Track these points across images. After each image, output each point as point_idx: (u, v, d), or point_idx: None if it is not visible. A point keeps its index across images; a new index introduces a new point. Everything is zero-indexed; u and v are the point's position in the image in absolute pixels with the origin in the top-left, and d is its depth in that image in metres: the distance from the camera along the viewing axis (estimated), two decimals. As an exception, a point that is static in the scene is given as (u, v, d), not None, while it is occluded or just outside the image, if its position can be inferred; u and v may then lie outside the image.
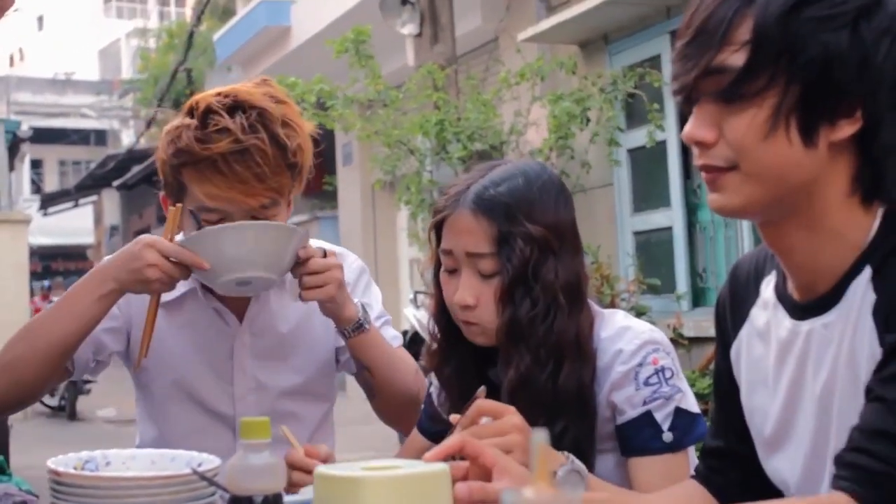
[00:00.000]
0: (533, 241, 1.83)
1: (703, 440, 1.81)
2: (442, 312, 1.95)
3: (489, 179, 1.87)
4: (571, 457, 1.62)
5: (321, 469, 1.32)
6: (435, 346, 1.98)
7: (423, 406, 2.13)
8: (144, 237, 2.01)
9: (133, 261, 1.98)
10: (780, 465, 1.52)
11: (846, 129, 1.34)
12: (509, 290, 1.83)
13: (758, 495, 1.56)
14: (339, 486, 1.28)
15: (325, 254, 2.07)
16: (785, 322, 1.47)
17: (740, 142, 1.35)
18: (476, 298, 1.85)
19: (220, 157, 2.00)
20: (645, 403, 1.80)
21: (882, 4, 1.34)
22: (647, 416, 1.80)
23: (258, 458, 1.33)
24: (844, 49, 1.32)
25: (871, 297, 1.34)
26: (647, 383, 1.81)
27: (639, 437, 1.81)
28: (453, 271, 1.89)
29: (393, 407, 2.25)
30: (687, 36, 1.39)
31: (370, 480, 1.27)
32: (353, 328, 2.13)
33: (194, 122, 2.05)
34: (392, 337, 2.34)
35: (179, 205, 2.04)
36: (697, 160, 1.41)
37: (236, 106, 2.05)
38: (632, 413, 1.81)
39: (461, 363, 1.95)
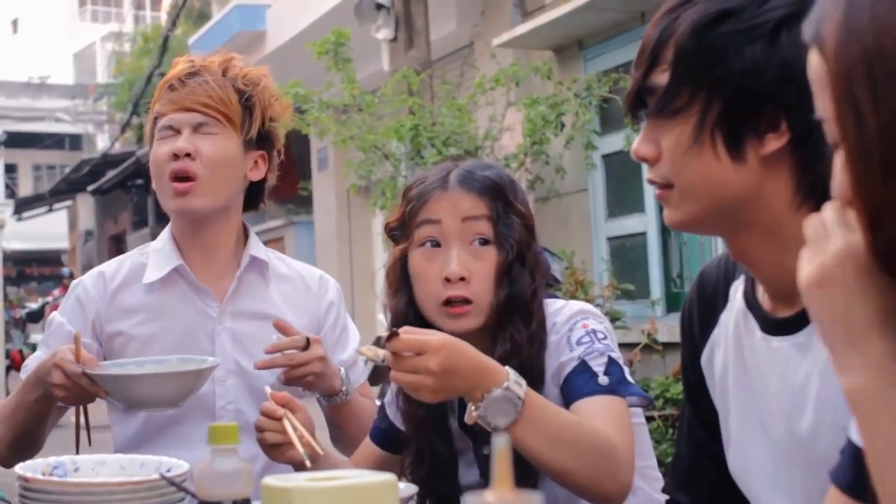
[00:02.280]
0: (524, 219, 1.91)
1: (637, 404, 1.88)
2: (407, 308, 1.95)
3: (469, 166, 1.95)
4: (512, 377, 1.65)
5: (267, 479, 1.32)
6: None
7: (375, 417, 2.14)
8: (60, 354, 2.02)
9: (46, 375, 2.03)
10: (742, 468, 1.53)
11: (773, 143, 1.35)
12: (510, 265, 1.88)
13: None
14: (275, 497, 1.30)
15: (307, 342, 2.09)
16: (756, 332, 1.47)
17: (671, 158, 1.38)
18: (469, 272, 1.88)
19: (176, 78, 2.30)
20: (579, 358, 1.84)
21: (805, 15, 1.34)
22: (583, 364, 1.84)
23: (226, 464, 1.33)
24: (761, 61, 1.33)
25: None
26: (579, 342, 1.86)
27: (576, 383, 1.83)
28: (436, 245, 1.90)
29: (350, 449, 2.28)
30: (636, 56, 1.43)
31: (302, 491, 1.29)
32: (329, 400, 2.21)
33: None
34: (361, 370, 2.42)
35: (79, 332, 2.09)
36: (647, 175, 1.44)
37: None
38: (569, 369, 1.85)
39: None
